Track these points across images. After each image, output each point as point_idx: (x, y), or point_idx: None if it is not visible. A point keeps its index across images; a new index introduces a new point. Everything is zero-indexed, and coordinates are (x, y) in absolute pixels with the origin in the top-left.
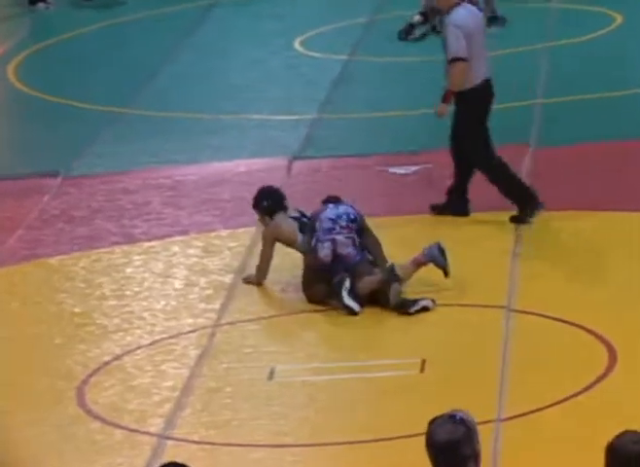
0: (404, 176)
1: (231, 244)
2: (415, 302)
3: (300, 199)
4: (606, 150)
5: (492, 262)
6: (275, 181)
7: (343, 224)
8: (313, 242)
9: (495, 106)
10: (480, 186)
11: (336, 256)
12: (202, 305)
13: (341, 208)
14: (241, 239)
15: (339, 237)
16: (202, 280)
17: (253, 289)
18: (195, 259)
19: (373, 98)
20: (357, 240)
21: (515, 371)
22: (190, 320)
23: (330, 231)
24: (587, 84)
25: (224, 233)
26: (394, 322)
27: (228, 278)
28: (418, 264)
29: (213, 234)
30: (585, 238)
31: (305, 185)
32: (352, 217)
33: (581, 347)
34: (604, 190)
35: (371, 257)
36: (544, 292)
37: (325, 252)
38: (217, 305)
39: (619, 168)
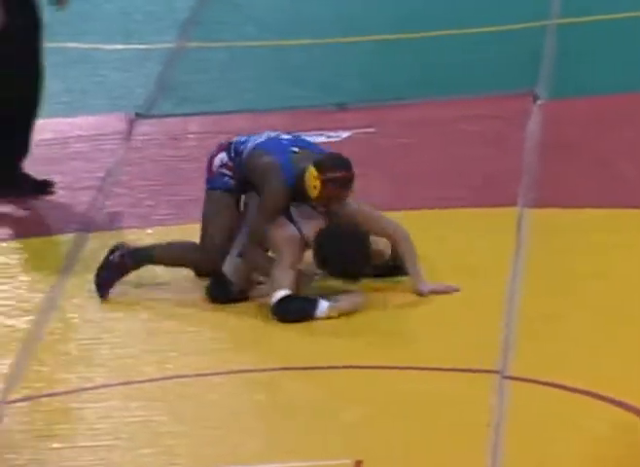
0: (328, 146)
1: (31, 263)
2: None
3: (148, 185)
4: None
5: (479, 296)
6: (105, 154)
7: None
8: None
9: (480, 29)
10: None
11: None
12: None
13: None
14: (45, 255)
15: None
16: None
17: (69, 339)
18: None
19: (270, 16)
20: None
21: None
22: None
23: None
24: None
25: (17, 243)
26: (317, 393)
27: (23, 322)
28: None
29: None
30: (615, 258)
31: (157, 161)
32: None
33: (617, 431)
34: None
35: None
36: (551, 349)
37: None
38: (4, 369)
39: None
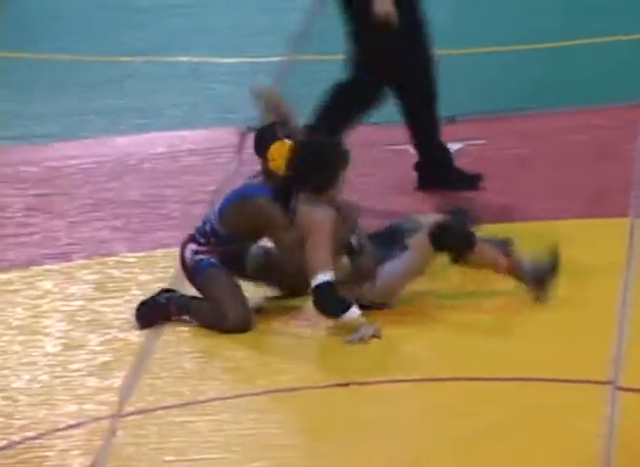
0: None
1: (144, 277)
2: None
3: None
4: None
5: (591, 307)
6: (216, 167)
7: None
8: None
9: (592, 39)
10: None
11: None
12: (93, 383)
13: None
14: (158, 270)
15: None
16: (94, 339)
17: (182, 352)
18: (80, 302)
19: None
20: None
21: None
22: (72, 407)
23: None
24: None
25: (130, 257)
26: (427, 406)
27: (136, 335)
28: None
29: (112, 260)
30: None
31: None
32: (209, 227)
33: None
34: None
35: None
36: None
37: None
38: (118, 382)
39: None
